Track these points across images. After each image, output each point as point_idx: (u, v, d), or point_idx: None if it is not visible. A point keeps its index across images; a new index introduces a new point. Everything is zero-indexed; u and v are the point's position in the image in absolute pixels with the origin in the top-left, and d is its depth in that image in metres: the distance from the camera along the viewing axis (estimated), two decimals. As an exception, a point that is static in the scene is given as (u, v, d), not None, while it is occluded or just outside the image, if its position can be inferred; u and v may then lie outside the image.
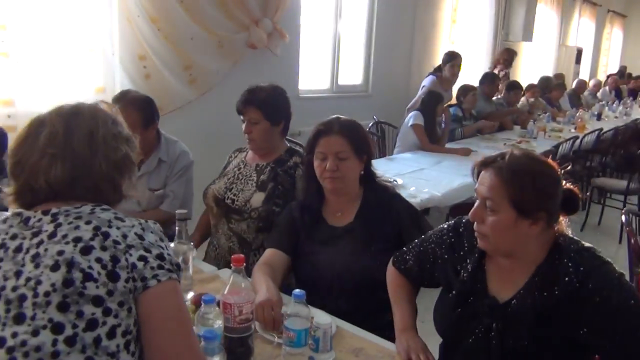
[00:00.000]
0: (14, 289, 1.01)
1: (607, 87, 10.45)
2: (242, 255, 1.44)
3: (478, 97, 5.80)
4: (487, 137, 5.64)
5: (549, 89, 7.83)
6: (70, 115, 1.14)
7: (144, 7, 3.70)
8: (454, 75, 5.67)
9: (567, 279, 1.35)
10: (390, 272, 1.80)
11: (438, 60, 7.23)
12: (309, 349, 1.45)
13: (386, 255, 1.87)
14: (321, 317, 1.50)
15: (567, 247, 1.41)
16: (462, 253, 1.57)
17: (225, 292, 1.41)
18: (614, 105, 9.28)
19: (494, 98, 6.38)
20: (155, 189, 2.60)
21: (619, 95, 10.53)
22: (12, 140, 3.05)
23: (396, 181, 3.51)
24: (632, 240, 2.43)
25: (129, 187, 1.20)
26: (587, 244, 1.43)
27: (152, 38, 3.80)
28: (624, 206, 5.26)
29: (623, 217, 2.59)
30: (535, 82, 7.79)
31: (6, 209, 1.17)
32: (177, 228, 1.77)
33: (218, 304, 1.40)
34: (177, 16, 3.90)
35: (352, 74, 6.10)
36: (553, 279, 1.37)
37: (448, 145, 4.94)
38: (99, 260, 1.01)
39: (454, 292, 1.53)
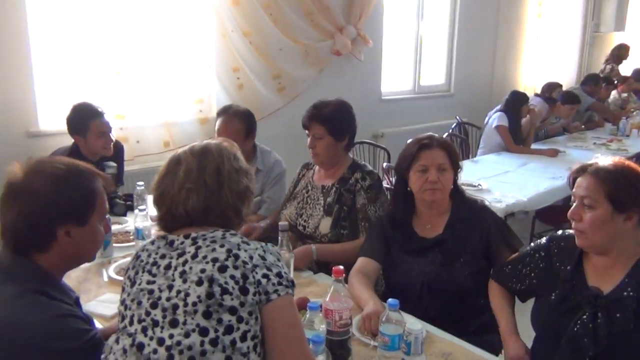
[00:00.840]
0: (168, 299, 1.21)
1: None
2: (342, 267, 1.60)
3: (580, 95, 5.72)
4: (575, 137, 5.50)
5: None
6: (201, 154, 1.33)
7: (237, 22, 3.97)
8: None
9: None
10: (492, 285, 1.94)
11: (523, 57, 7.11)
12: (402, 352, 1.59)
13: (474, 266, 1.98)
14: (413, 324, 1.63)
15: None
16: (557, 264, 1.70)
17: (327, 299, 1.58)
18: None
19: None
20: (255, 196, 2.82)
21: None
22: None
23: (480, 185, 3.56)
24: None
25: (247, 213, 1.40)
26: None
27: (244, 51, 4.07)
28: None
29: None
30: (629, 74, 7.42)
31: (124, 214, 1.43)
32: (280, 238, 1.96)
33: (319, 309, 1.57)
34: (267, 29, 4.15)
35: (435, 75, 6.14)
36: None
37: (534, 146, 4.87)
38: (232, 277, 1.20)
39: (556, 291, 1.66)
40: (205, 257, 1.23)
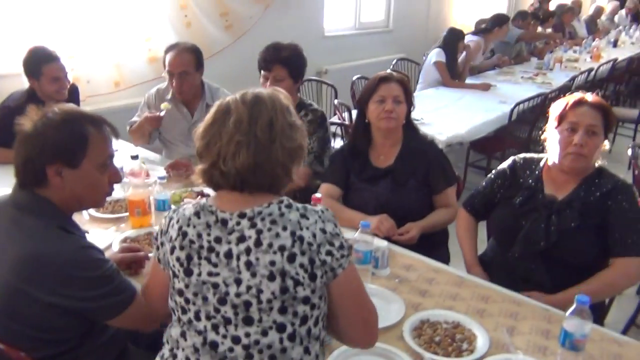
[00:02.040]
0: (238, 295, 1.17)
1: (623, 11, 10.37)
2: (319, 195, 1.83)
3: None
4: (504, 71, 5.85)
5: (562, 14, 7.88)
6: (254, 104, 1.22)
7: (183, -41, 3.92)
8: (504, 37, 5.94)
9: (607, 187, 1.91)
10: (463, 216, 2.26)
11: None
12: (371, 266, 1.86)
13: (419, 191, 2.29)
14: (380, 241, 1.90)
15: (605, 169, 1.97)
16: (521, 178, 2.07)
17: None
18: (632, 30, 9.30)
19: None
20: None
21: (637, 19, 10.47)
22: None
23: (423, 119, 3.83)
24: (637, 172, 2.77)
25: (297, 172, 1.29)
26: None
27: (191, -13, 4.05)
28: (634, 134, 5.56)
29: (629, 151, 2.92)
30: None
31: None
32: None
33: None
34: (213, -35, 4.12)
35: (374, 11, 6.26)
36: (597, 186, 1.92)
37: (468, 81, 5.19)
38: (301, 265, 1.16)
39: (519, 196, 2.02)
40: (270, 245, 1.16)
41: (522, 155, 2.15)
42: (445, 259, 2.33)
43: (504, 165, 2.16)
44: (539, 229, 1.94)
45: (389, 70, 2.36)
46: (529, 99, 4.16)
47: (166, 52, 2.83)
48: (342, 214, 2.23)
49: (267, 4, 4.69)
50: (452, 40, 5.01)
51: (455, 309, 1.70)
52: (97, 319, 1.45)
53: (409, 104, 2.32)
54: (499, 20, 5.66)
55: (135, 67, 3.90)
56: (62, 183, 1.41)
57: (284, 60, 2.51)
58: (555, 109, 1.98)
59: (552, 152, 1.98)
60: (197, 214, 1.23)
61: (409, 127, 2.38)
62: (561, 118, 1.94)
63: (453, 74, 5.02)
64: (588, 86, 5.80)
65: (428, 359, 1.45)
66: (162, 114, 2.80)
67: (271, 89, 1.30)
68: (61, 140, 1.39)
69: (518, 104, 4.12)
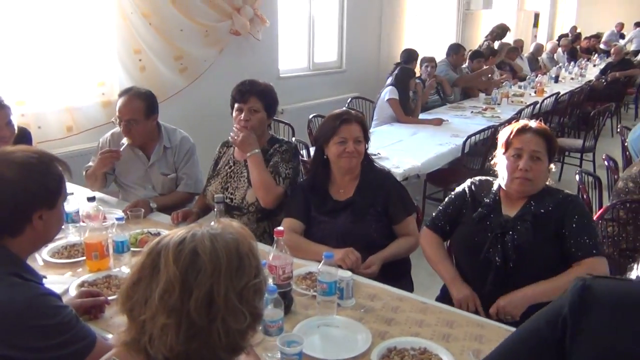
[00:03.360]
0: None
1: (560, 49, 10.98)
2: (281, 228, 1.82)
3: (446, 67, 6.29)
4: (455, 106, 6.07)
5: (507, 52, 8.28)
6: (189, 266, 0.95)
7: (136, 4, 3.96)
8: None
9: (557, 199, 2.01)
10: (426, 234, 2.28)
11: (405, 34, 7.60)
12: (336, 297, 1.86)
13: (379, 221, 2.33)
14: (343, 272, 1.90)
15: (551, 187, 2.09)
16: (478, 198, 2.15)
17: (270, 258, 1.79)
18: (570, 66, 9.83)
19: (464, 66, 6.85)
20: (167, 174, 2.92)
21: (574, 56, 11.09)
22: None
23: (379, 154, 3.91)
24: (584, 196, 2.89)
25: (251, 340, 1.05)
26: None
27: (145, 32, 4.08)
28: (580, 162, 5.80)
29: (577, 177, 3.05)
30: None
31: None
32: (215, 210, 2.14)
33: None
34: (166, 10, 4.17)
35: (327, 52, 6.43)
36: (545, 200, 2.02)
37: (421, 117, 5.34)
38: None
39: (478, 211, 2.10)
40: None
41: (478, 177, 2.25)
42: (409, 288, 2.34)
43: (462, 186, 2.23)
44: (496, 249, 2.00)
45: (345, 108, 2.42)
46: (479, 132, 4.31)
47: (119, 96, 2.82)
48: (307, 247, 2.26)
49: (221, 47, 4.75)
50: (404, 78, 5.17)
51: (421, 335, 1.70)
52: None
53: (367, 139, 2.39)
54: (476, 55, 6.20)
55: (87, 111, 3.86)
56: (41, 226, 1.39)
57: (260, 93, 2.54)
58: (502, 136, 2.08)
59: (501, 177, 2.07)
60: None
61: (366, 161, 2.43)
62: (507, 145, 2.04)
63: (406, 110, 5.16)
64: (534, 119, 6.07)
65: (398, 386, 1.44)
66: (122, 148, 2.76)
67: (228, 224, 1.07)
68: (46, 183, 1.38)
69: (469, 136, 4.26)
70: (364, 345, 1.65)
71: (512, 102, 6.39)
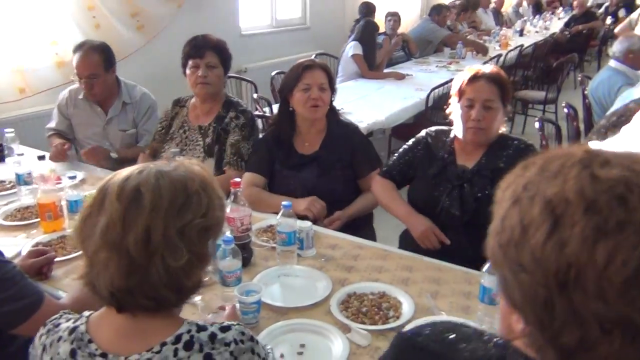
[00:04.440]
0: None
1: (525, 3, 10.96)
2: (238, 180, 1.80)
3: (433, 25, 6.47)
4: (420, 61, 6.04)
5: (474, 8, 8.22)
6: (130, 202, 0.95)
7: (87, -43, 3.77)
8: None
9: (510, 151, 1.99)
10: (379, 181, 2.21)
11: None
12: (296, 247, 1.86)
13: (345, 176, 2.31)
14: (303, 222, 1.90)
15: (507, 135, 2.07)
16: (434, 150, 2.11)
17: (228, 210, 1.77)
18: (535, 20, 9.83)
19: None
20: (125, 130, 2.85)
21: (539, 10, 11.09)
22: None
23: (343, 109, 3.86)
24: (544, 142, 2.93)
25: (202, 274, 1.04)
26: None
27: (98, -13, 3.90)
28: (544, 114, 5.87)
29: (537, 124, 3.08)
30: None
31: None
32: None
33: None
34: (120, -36, 3.99)
35: (291, 8, 6.28)
36: (501, 151, 1.99)
37: (385, 71, 5.31)
38: None
39: (432, 168, 2.06)
40: None
41: (434, 128, 2.21)
42: (371, 238, 2.34)
43: (417, 137, 2.19)
44: (454, 200, 1.99)
45: (311, 58, 2.37)
46: (442, 84, 4.29)
47: (74, 52, 2.71)
48: (269, 200, 2.24)
49: (179, 3, 4.59)
50: (369, 32, 5.11)
51: (381, 281, 1.72)
52: (2, 327, 1.35)
53: (332, 90, 2.33)
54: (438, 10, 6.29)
55: (41, 72, 3.71)
56: None
57: (216, 47, 2.43)
58: (455, 84, 2.03)
59: (456, 126, 2.04)
60: (73, 354, 0.98)
61: (333, 114, 2.39)
62: (460, 93, 2.00)
63: (371, 65, 5.11)
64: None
65: (355, 329, 1.46)
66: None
67: (181, 165, 1.04)
68: None
69: (433, 89, 4.25)
70: (324, 292, 1.66)
71: (477, 55, 6.39)
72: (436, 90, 4.28)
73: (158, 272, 0.94)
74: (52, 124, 2.89)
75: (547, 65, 7.07)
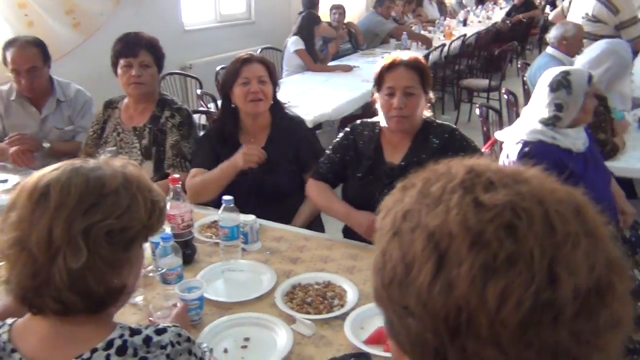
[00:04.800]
0: None
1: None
2: (177, 176, 1.76)
3: (380, 18, 6.50)
4: (366, 53, 6.08)
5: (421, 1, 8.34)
6: (38, 199, 0.91)
7: (15, -47, 3.62)
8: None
9: (435, 140, 1.96)
10: (311, 183, 2.13)
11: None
12: (241, 242, 1.84)
13: (291, 171, 2.27)
14: (247, 216, 1.88)
15: (431, 121, 2.02)
16: (361, 147, 2.05)
17: (168, 207, 1.73)
18: (478, 10, 10.06)
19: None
20: (61, 128, 2.74)
21: (482, 0, 11.34)
22: None
23: (289, 102, 3.85)
24: (485, 128, 3.00)
25: (133, 281, 1.00)
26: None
27: (28, -16, 3.75)
28: (488, 101, 6.01)
29: (477, 110, 3.14)
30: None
31: None
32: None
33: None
34: (51, -41, 3.84)
35: (235, 3, 6.20)
36: (426, 142, 1.97)
37: (331, 64, 5.32)
38: None
39: (360, 168, 2.02)
40: None
41: (359, 121, 2.14)
42: (320, 230, 2.33)
43: (343, 133, 2.13)
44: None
45: (250, 52, 2.32)
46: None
47: (5, 49, 2.59)
48: (212, 176, 2.17)
49: (117, 0, 4.47)
50: (309, 25, 5.12)
51: (327, 270, 1.73)
52: None
53: (274, 83, 2.29)
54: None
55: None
56: None
57: (149, 45, 2.32)
58: (375, 73, 1.98)
59: (380, 115, 2.00)
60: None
61: (277, 108, 2.35)
62: (380, 82, 1.94)
63: (313, 57, 5.12)
64: (443, 62, 6.21)
65: (300, 319, 1.45)
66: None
67: (107, 162, 0.99)
68: None
69: (379, 80, 4.28)
70: (269, 284, 1.64)
71: (422, 46, 6.47)
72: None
73: (60, 274, 0.88)
74: None
75: (491, 54, 7.25)
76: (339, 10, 5.89)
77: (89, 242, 0.89)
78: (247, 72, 2.20)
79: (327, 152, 2.15)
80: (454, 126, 2.06)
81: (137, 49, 2.29)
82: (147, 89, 2.35)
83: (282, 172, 2.26)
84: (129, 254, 0.96)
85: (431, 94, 2.00)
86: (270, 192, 2.22)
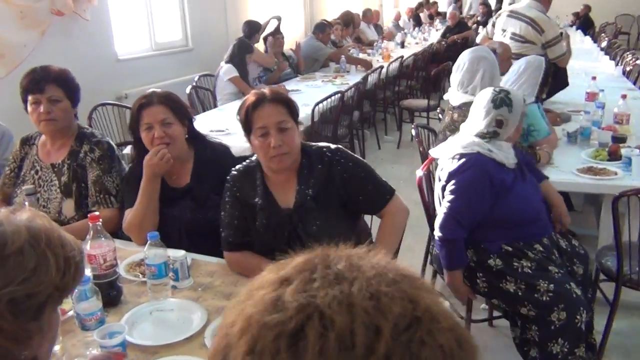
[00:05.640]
0: None
1: (406, 16, 11.50)
2: (97, 213, 1.66)
3: (318, 43, 6.61)
4: (306, 77, 6.10)
5: (356, 23, 8.47)
6: None
7: None
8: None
9: (320, 166, 1.91)
10: (230, 257, 1.94)
11: (249, 6, 7.47)
12: (170, 280, 1.74)
13: (219, 206, 2.10)
14: (176, 252, 1.79)
15: (308, 146, 1.95)
16: (248, 199, 1.93)
17: (88, 247, 1.62)
18: (415, 32, 10.33)
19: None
20: None
21: (419, 22, 11.67)
22: None
23: (228, 129, 3.79)
24: (421, 148, 3.01)
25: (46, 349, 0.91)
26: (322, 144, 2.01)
27: (-57, 16, 3.56)
28: (428, 121, 6.12)
29: (413, 131, 3.16)
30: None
31: None
32: (26, 203, 1.90)
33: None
34: (-33, -10, 3.67)
35: (171, 30, 6.11)
36: (312, 173, 1.90)
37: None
38: None
39: (258, 220, 1.91)
40: None
41: (234, 172, 2.00)
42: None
43: (226, 188, 1.99)
44: (296, 245, 1.82)
45: (151, 90, 2.16)
46: (326, 98, 4.34)
47: None
48: (136, 213, 2.06)
49: (42, 30, 4.29)
50: (240, 53, 5.17)
51: (261, 304, 1.65)
52: None
53: (184, 119, 2.15)
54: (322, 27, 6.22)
55: None
56: None
57: (57, 79, 2.18)
58: (240, 116, 1.89)
59: (260, 159, 1.91)
60: None
61: (197, 140, 2.23)
62: (249, 125, 1.85)
63: (249, 83, 5.12)
64: (382, 83, 6.30)
65: (230, 360, 1.37)
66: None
67: (7, 217, 0.88)
68: None
69: (317, 104, 4.28)
70: (199, 324, 1.56)
71: (361, 68, 6.55)
72: (321, 104, 4.32)
73: None
74: None
75: (429, 74, 7.42)
76: (278, 36, 5.92)
77: None
78: (147, 117, 2.06)
79: (223, 217, 1.98)
80: (334, 146, 1.98)
81: (43, 84, 2.14)
82: (60, 124, 2.22)
83: (212, 207, 2.10)
84: (39, 322, 0.84)
85: (301, 126, 1.95)
86: (203, 228, 2.09)
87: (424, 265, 3.05)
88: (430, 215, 2.48)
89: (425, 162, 2.66)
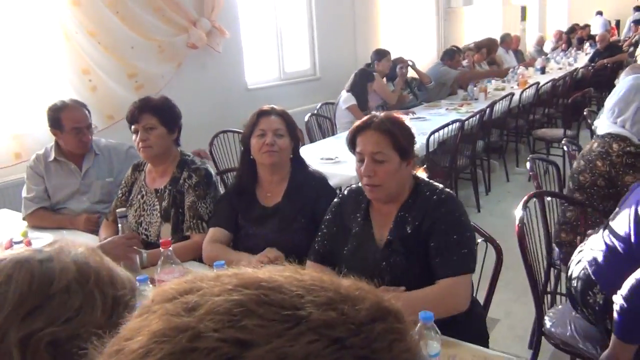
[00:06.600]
0: None
1: (552, 40, 10.79)
2: (169, 239, 1.71)
3: (443, 69, 6.42)
4: (431, 105, 5.93)
5: (492, 48, 8.10)
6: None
7: (80, 23, 3.89)
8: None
9: (423, 208, 1.77)
10: (312, 267, 1.89)
11: (380, 34, 7.49)
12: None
13: (305, 231, 2.15)
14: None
15: (425, 185, 1.83)
16: (348, 220, 1.91)
17: (159, 271, 1.67)
18: (559, 56, 9.63)
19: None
20: (104, 178, 2.83)
21: (570, 46, 10.86)
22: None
23: (337, 157, 3.78)
24: (535, 183, 2.74)
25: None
26: (439, 185, 1.84)
27: (92, 51, 4.01)
28: (564, 154, 5.60)
29: (528, 164, 2.89)
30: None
31: None
32: (119, 225, 2.02)
33: (151, 282, 1.66)
34: (114, 27, 4.10)
35: (299, 60, 6.32)
36: (411, 212, 1.79)
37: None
38: None
39: (347, 246, 1.86)
40: None
41: (348, 188, 2.00)
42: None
43: (334, 202, 2.00)
44: (376, 274, 1.77)
45: (270, 106, 2.30)
46: (443, 127, 4.15)
47: (56, 111, 2.76)
48: (226, 256, 2.08)
49: (178, 62, 4.67)
50: (362, 82, 5.13)
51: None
52: None
53: (294, 137, 2.25)
54: (377, 55, 5.86)
55: (38, 136, 3.76)
56: None
57: (152, 109, 2.34)
58: (348, 137, 1.85)
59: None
60: None
61: (297, 163, 2.30)
62: (353, 146, 1.81)
63: (367, 113, 5.06)
64: (516, 112, 5.92)
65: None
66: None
67: (57, 251, 0.85)
68: None
69: (433, 132, 4.10)
70: None
71: (492, 96, 6.22)
72: (437, 133, 4.14)
73: None
74: (32, 194, 2.78)
75: (573, 102, 6.83)
76: (405, 63, 5.86)
77: (27, 354, 0.73)
78: (263, 124, 2.19)
79: (320, 229, 1.99)
80: (449, 192, 1.82)
81: (139, 114, 2.32)
82: (156, 150, 2.35)
83: (298, 230, 2.17)
84: None
85: (415, 156, 1.82)
86: (286, 250, 2.09)
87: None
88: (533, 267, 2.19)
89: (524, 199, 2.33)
